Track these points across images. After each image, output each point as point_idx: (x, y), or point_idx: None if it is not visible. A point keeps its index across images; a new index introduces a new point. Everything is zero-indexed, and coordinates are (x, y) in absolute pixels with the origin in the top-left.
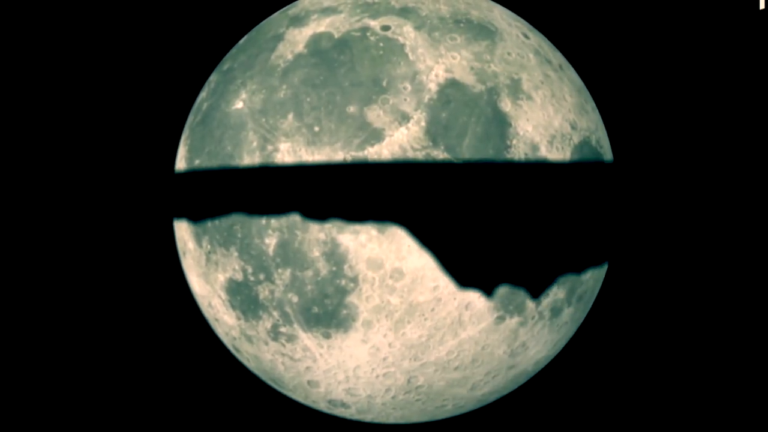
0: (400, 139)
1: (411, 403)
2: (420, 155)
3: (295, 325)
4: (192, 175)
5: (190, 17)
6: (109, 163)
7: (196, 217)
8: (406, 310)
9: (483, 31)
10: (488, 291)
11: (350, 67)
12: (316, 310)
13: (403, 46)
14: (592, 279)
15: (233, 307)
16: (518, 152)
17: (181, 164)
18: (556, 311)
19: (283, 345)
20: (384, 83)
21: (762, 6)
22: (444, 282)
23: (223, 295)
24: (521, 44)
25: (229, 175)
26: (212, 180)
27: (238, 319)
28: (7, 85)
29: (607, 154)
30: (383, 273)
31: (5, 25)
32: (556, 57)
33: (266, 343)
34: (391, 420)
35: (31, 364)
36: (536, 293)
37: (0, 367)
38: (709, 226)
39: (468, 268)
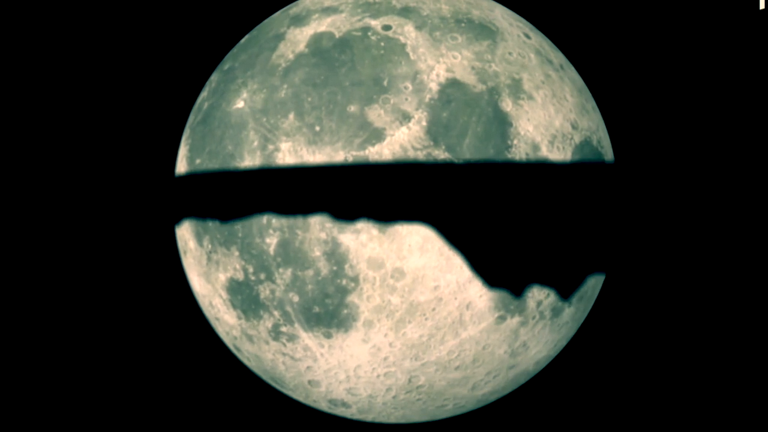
0: (401, 139)
1: (412, 402)
2: (421, 155)
3: (296, 325)
4: (194, 175)
5: (191, 16)
6: (110, 163)
7: (197, 216)
8: (407, 310)
9: (484, 31)
10: (488, 290)
11: (351, 67)
12: (317, 309)
13: (404, 45)
14: (593, 279)
15: (234, 306)
16: (519, 152)
17: (181, 164)
18: (556, 311)
19: (284, 344)
20: (385, 83)
21: (762, 6)
22: (445, 282)
23: (224, 295)
24: (522, 44)
25: (230, 176)
26: (214, 180)
27: (239, 318)
28: (6, 84)
29: (608, 154)
30: (384, 273)
31: (5, 26)
32: (557, 57)
33: (267, 343)
34: (392, 420)
35: (32, 363)
36: (537, 293)
37: (1, 367)
38: (710, 225)
39: (468, 268)
